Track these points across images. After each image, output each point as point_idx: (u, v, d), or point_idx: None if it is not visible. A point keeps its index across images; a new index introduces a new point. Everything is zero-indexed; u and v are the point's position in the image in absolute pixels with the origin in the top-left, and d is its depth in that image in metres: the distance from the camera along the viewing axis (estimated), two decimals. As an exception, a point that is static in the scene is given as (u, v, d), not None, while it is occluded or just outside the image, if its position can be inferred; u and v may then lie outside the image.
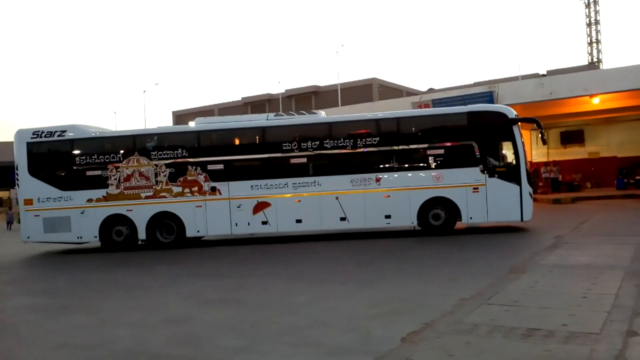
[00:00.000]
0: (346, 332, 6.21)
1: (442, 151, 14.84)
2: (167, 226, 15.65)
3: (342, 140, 15.15)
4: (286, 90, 52.36)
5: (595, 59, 53.58)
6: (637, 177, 29.40)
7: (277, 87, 75.59)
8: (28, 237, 16.06)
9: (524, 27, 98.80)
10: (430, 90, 42.39)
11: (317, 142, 15.23)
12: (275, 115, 16.10)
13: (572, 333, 5.62)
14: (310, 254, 13.46)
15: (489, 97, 21.53)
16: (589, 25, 54.83)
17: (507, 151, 14.81)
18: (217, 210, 15.42)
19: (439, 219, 14.81)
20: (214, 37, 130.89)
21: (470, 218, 14.64)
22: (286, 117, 16.07)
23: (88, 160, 15.83)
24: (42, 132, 16.05)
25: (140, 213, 15.59)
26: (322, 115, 16.23)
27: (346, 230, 16.06)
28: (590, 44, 54.79)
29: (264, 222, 15.30)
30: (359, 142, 15.06)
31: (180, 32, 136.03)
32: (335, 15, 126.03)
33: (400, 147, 15.04)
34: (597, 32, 54.66)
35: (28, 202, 15.92)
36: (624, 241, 12.01)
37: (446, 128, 15.16)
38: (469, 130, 14.74)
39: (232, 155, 15.73)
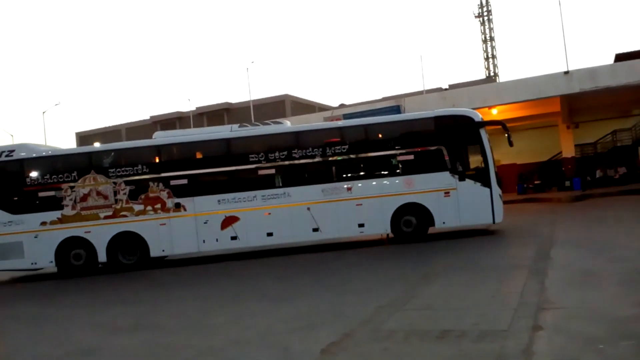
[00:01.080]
0: (265, 349, 6.16)
1: (411, 157, 14.74)
2: (129, 247, 14.81)
3: (310, 150, 14.80)
4: (197, 108, 51.25)
5: (492, 73, 56.47)
6: (535, 182, 32.01)
7: (187, 104, 74.07)
8: (-25, 266, 14.86)
9: (426, 44, 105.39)
10: (342, 106, 43.59)
11: (285, 152, 14.82)
12: (239, 126, 15.58)
13: (483, 331, 5.87)
14: (228, 271, 13.40)
15: (397, 111, 22.52)
16: (484, 41, 57.53)
17: (475, 154, 14.87)
18: (182, 228, 14.72)
19: (410, 226, 14.68)
20: (117, 53, 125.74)
21: (443, 223, 14.57)
22: (251, 127, 15.60)
23: (40, 180, 14.85)
24: (-12, 152, 14.93)
25: (100, 234, 14.69)
26: (288, 124, 15.86)
27: (319, 242, 15.68)
28: (487, 59, 57.54)
29: (233, 238, 14.72)
30: (327, 151, 14.76)
31: (81, 48, 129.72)
32: (245, 32, 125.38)
33: (370, 154, 14.85)
34: (493, 47, 57.48)
35: (-26, 228, 14.72)
36: (527, 242, 12.92)
37: (414, 133, 15.07)
38: (437, 134, 14.71)
39: (196, 169, 15.09)
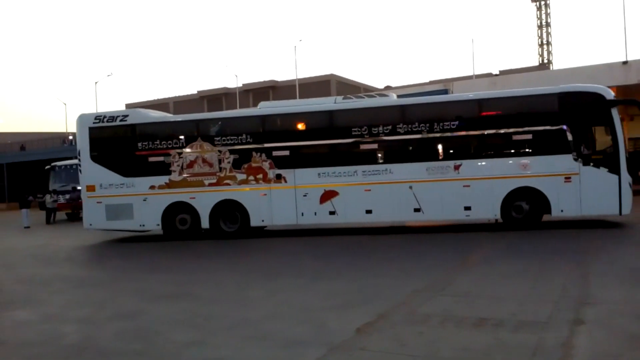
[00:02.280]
0: (300, 324, 6.19)
1: (529, 136, 13.42)
2: (231, 215, 14.98)
3: (416, 125, 13.95)
4: (243, 85, 51.20)
5: (545, 60, 54.64)
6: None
7: (234, 80, 73.74)
8: (90, 225, 15.82)
9: (478, 28, 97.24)
10: (387, 88, 41.87)
11: (389, 127, 14.10)
12: (343, 98, 15.05)
13: (521, 322, 5.74)
14: (270, 247, 13.40)
15: (444, 95, 20.96)
16: (540, 27, 55.85)
17: (604, 136, 13.23)
18: (282, 199, 14.61)
19: (521, 212, 13.46)
20: (169, 28, 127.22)
21: (562, 211, 13.19)
22: (355, 99, 15.01)
23: (150, 145, 15.33)
24: (104, 117, 15.67)
25: (204, 201, 14.98)
26: (394, 97, 15.07)
27: (421, 223, 14.92)
28: (541, 45, 56.03)
29: (332, 212, 14.37)
30: (435, 127, 13.83)
31: (134, 22, 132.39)
32: (293, 10, 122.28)
33: (482, 131, 13.69)
34: (548, 34, 56.06)
35: (90, 188, 15.61)
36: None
37: (535, 111, 13.65)
38: (561, 113, 13.23)
39: (298, 140, 14.82)
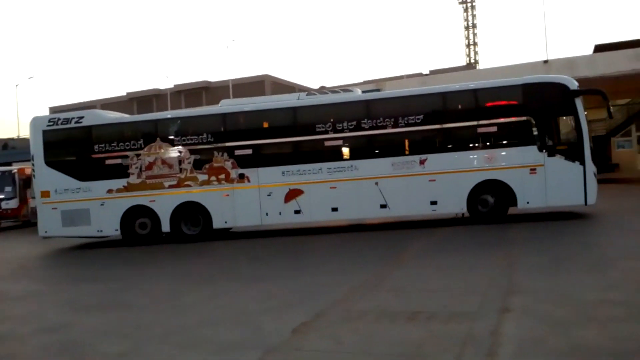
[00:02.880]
0: (236, 329, 6.10)
1: (494, 129, 13.30)
2: (192, 217, 14.47)
3: (381, 120, 13.70)
4: (175, 85, 50.32)
5: (472, 60, 56.62)
6: None
7: (165, 82, 72.63)
8: (46, 232, 15.12)
9: (408, 29, 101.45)
10: (322, 88, 42.08)
11: (354, 122, 13.81)
12: (307, 95, 14.72)
13: (452, 313, 5.92)
14: (207, 251, 13.07)
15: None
16: (467, 28, 57.85)
17: (568, 127, 13.18)
18: (245, 199, 14.16)
19: (487, 205, 13.30)
20: (94, 27, 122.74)
21: (527, 203, 13.06)
22: (319, 95, 14.70)
23: (107, 148, 14.74)
24: (59, 119, 15.06)
25: (164, 204, 14.44)
26: (358, 92, 14.81)
27: (388, 219, 14.62)
28: (468, 45, 58.02)
29: (297, 211, 13.98)
30: (400, 121, 13.60)
31: (56, 21, 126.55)
32: (225, 10, 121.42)
33: (447, 125, 13.51)
34: (475, 34, 58.14)
35: (45, 194, 14.92)
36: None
37: (499, 102, 13.55)
38: (525, 104, 13.15)
39: (261, 139, 14.41)
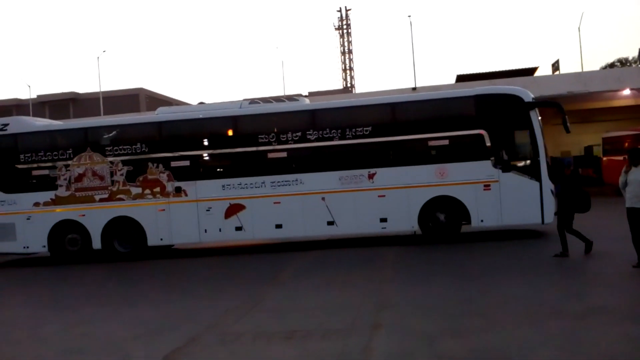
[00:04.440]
0: (103, 358, 5.83)
1: (446, 142, 12.52)
2: (125, 234, 13.39)
3: (327, 131, 12.82)
4: (38, 96, 48.23)
5: (349, 84, 57.66)
6: None
7: (27, 91, 69.56)
8: (-33, 248, 13.88)
9: (288, 50, 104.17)
10: (202, 104, 41.46)
11: (299, 133, 12.91)
12: (250, 102, 13.75)
13: (327, 330, 6.15)
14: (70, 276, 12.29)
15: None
16: (343, 53, 59.49)
17: (524, 141, 12.45)
18: (183, 215, 13.14)
19: (438, 223, 12.54)
20: None
21: (481, 221, 12.30)
22: (262, 104, 13.75)
23: (34, 157, 13.60)
24: (-19, 126, 13.82)
25: (95, 218, 13.34)
26: (305, 102, 13.91)
27: (335, 237, 13.73)
28: (345, 70, 59.40)
29: (238, 228, 13.02)
30: (347, 133, 12.74)
31: None
32: (96, 18, 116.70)
33: (397, 137, 12.68)
34: (351, 60, 59.60)
35: (-34, 207, 13.69)
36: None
37: (451, 114, 12.80)
38: (478, 116, 12.41)
39: (199, 149, 13.44)
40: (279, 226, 12.91)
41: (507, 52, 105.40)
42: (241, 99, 14.17)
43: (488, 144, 12.24)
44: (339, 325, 6.30)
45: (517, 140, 12.53)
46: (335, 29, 59.83)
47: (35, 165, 13.60)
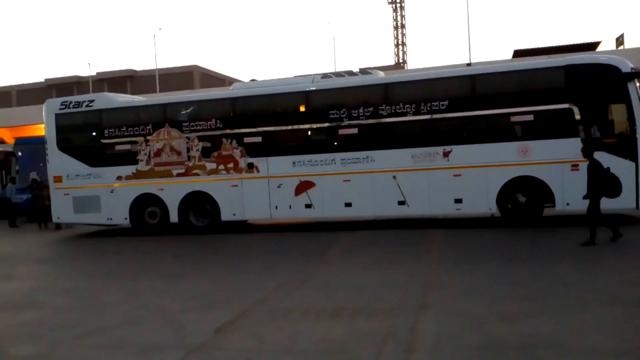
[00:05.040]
0: (158, 329, 5.90)
1: (530, 117, 11.53)
2: (201, 208, 13.67)
3: (401, 106, 12.24)
4: (98, 73, 47.95)
5: (401, 60, 56.22)
6: None
7: (87, 68, 68.47)
8: (58, 218, 14.87)
9: (339, 27, 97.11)
10: (253, 81, 39.23)
11: (371, 109, 12.44)
12: (322, 77, 13.42)
13: (375, 309, 6.06)
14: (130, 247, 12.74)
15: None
16: (395, 28, 58.21)
17: (619, 117, 11.21)
18: (254, 191, 13.18)
19: (519, 205, 11.64)
20: (7, 7, 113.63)
21: (567, 204, 11.28)
22: (335, 78, 13.37)
23: (116, 133, 14.17)
24: (71, 102, 14.63)
25: (172, 193, 13.72)
26: (380, 75, 13.35)
27: (406, 217, 13.20)
28: (397, 45, 58.25)
29: (308, 205, 12.86)
30: (422, 108, 12.09)
31: None
32: None
33: (476, 112, 11.86)
34: (403, 35, 58.12)
35: (57, 179, 14.59)
36: None
37: (537, 87, 11.73)
38: (568, 89, 11.29)
39: (271, 125, 13.32)
40: (348, 205, 12.60)
41: (567, 26, 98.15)
42: (292, 76, 13.91)
43: (578, 119, 11.13)
44: (386, 305, 6.23)
45: (612, 116, 11.30)
46: (389, 2, 59.84)
47: (118, 140, 14.16)
